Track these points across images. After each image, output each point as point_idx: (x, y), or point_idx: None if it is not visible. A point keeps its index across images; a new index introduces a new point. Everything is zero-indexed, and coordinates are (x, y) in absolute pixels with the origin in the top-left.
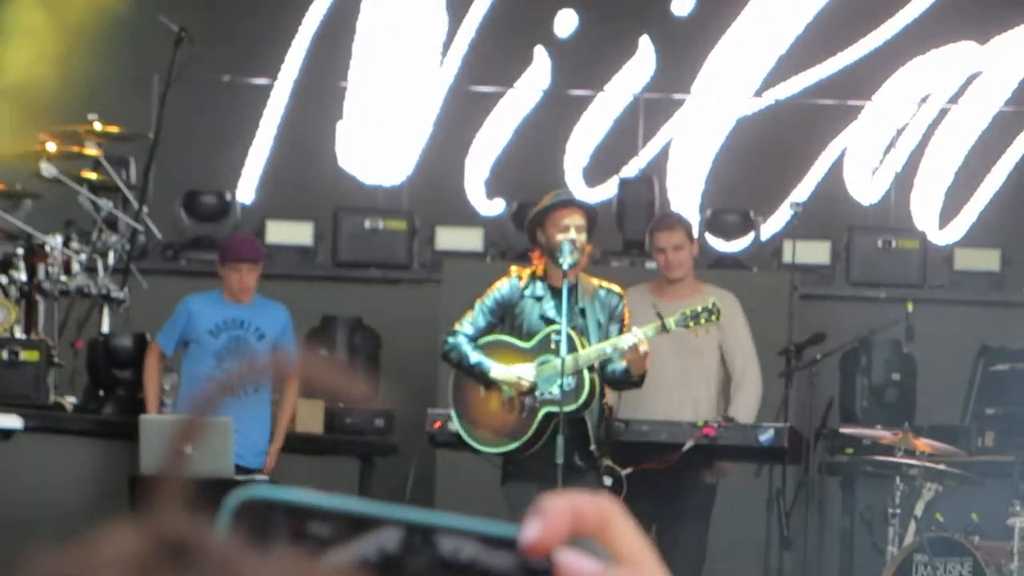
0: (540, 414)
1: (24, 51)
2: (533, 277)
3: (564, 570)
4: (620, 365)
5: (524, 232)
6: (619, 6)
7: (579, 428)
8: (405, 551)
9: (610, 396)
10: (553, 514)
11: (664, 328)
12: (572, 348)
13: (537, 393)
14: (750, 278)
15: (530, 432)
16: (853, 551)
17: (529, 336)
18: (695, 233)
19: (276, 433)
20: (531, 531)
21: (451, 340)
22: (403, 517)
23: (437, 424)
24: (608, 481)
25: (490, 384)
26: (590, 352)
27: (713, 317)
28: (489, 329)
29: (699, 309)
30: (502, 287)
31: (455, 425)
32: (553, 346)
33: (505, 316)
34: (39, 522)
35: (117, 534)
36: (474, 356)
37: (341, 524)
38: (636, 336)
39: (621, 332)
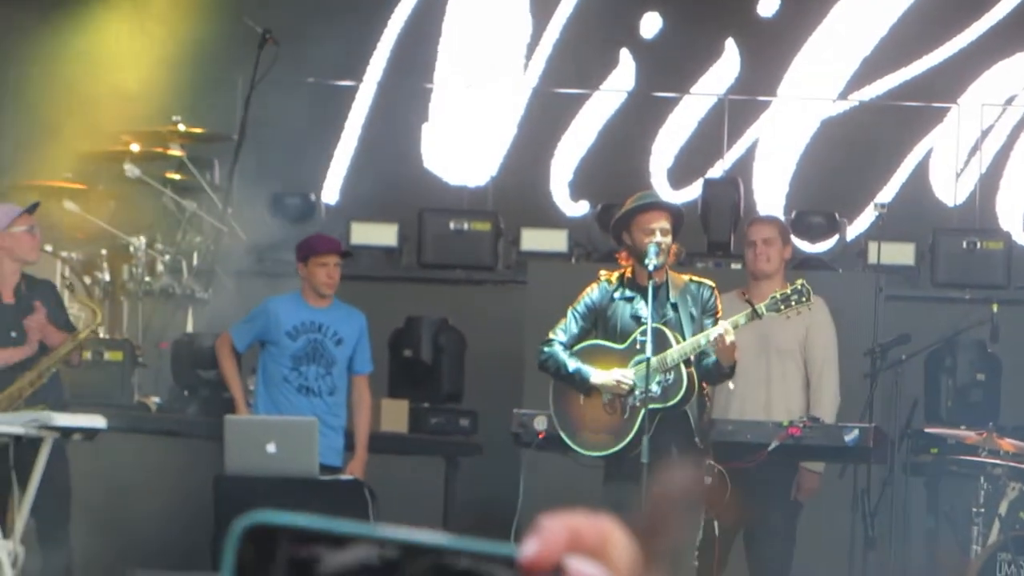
0: (641, 414)
1: (109, 53)
2: (621, 279)
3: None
4: (712, 358)
5: (609, 233)
6: (704, 8)
7: (682, 423)
8: (406, 556)
9: (710, 390)
10: (551, 532)
11: (756, 314)
12: (665, 345)
13: (637, 393)
14: (835, 279)
15: (632, 432)
16: (938, 551)
17: (623, 338)
18: (790, 238)
19: (359, 443)
20: (530, 548)
21: (547, 349)
22: (401, 539)
23: (541, 434)
24: (708, 479)
25: (591, 390)
26: (683, 347)
27: (804, 299)
28: (583, 335)
29: (789, 291)
30: (592, 292)
31: (557, 429)
32: (640, 342)
33: (597, 320)
34: (123, 523)
35: None
36: (572, 364)
37: (341, 546)
38: (722, 327)
39: (715, 325)
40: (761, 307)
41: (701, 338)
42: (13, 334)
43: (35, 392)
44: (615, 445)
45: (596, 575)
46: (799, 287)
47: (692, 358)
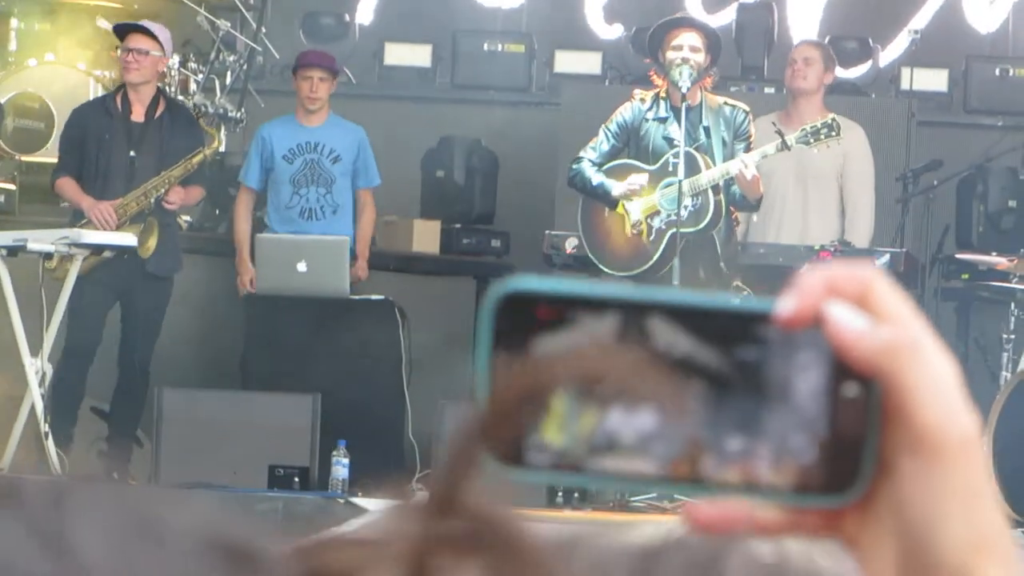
0: (666, 237)
1: None
2: (656, 99)
3: (832, 325)
4: (737, 188)
5: (642, 56)
6: None
7: (708, 247)
8: (623, 338)
9: (739, 215)
10: (810, 285)
11: (785, 145)
12: (695, 169)
13: (663, 215)
14: (868, 105)
15: (657, 255)
16: (967, 376)
17: (654, 158)
18: (834, 65)
19: (358, 250)
20: (788, 302)
21: (576, 166)
22: (658, 299)
23: (569, 251)
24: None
25: (614, 203)
26: (711, 174)
27: (833, 133)
28: (614, 154)
29: (819, 125)
30: (625, 111)
31: (581, 247)
32: (672, 168)
33: (630, 140)
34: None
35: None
36: (596, 178)
37: (580, 308)
38: (739, 163)
39: (748, 151)
40: (791, 138)
41: (729, 167)
42: (132, 153)
43: (145, 212)
44: (641, 266)
45: (859, 322)
46: (829, 121)
47: (721, 184)
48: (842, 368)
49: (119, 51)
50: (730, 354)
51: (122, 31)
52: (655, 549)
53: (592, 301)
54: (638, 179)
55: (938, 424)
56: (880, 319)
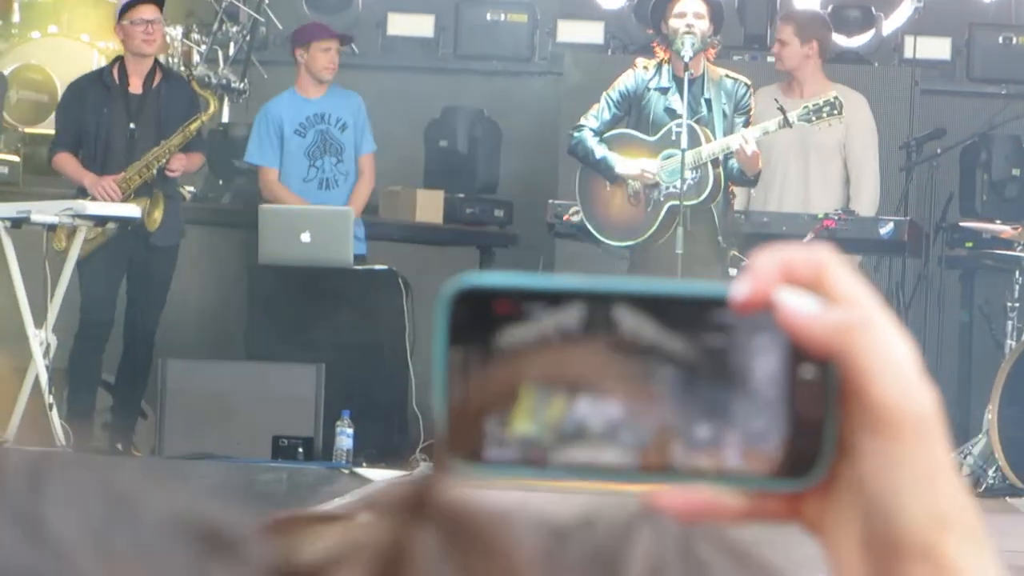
0: (664, 208)
1: None
2: (659, 68)
3: (782, 311)
4: (736, 163)
5: (645, 26)
6: None
7: (706, 220)
8: (584, 329)
9: (736, 189)
10: (762, 269)
11: (787, 122)
12: (695, 142)
13: (662, 187)
14: (871, 73)
15: (655, 225)
16: (971, 344)
17: (655, 129)
18: (818, 32)
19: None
20: (742, 288)
21: (576, 135)
22: (614, 290)
23: (566, 217)
24: (734, 271)
25: (615, 178)
26: (711, 147)
27: (836, 112)
28: (615, 122)
29: (821, 103)
30: (627, 80)
31: (582, 217)
32: (675, 139)
33: (631, 109)
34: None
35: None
36: (599, 150)
37: (539, 302)
38: (739, 138)
39: (747, 125)
40: (793, 116)
41: (730, 141)
42: (132, 125)
43: (148, 183)
44: (636, 237)
45: (810, 306)
46: (832, 99)
47: (720, 158)
48: (799, 351)
49: (127, 23)
50: (694, 340)
51: (132, 2)
52: (566, 528)
53: (551, 294)
54: (650, 166)
55: (895, 402)
56: (834, 300)
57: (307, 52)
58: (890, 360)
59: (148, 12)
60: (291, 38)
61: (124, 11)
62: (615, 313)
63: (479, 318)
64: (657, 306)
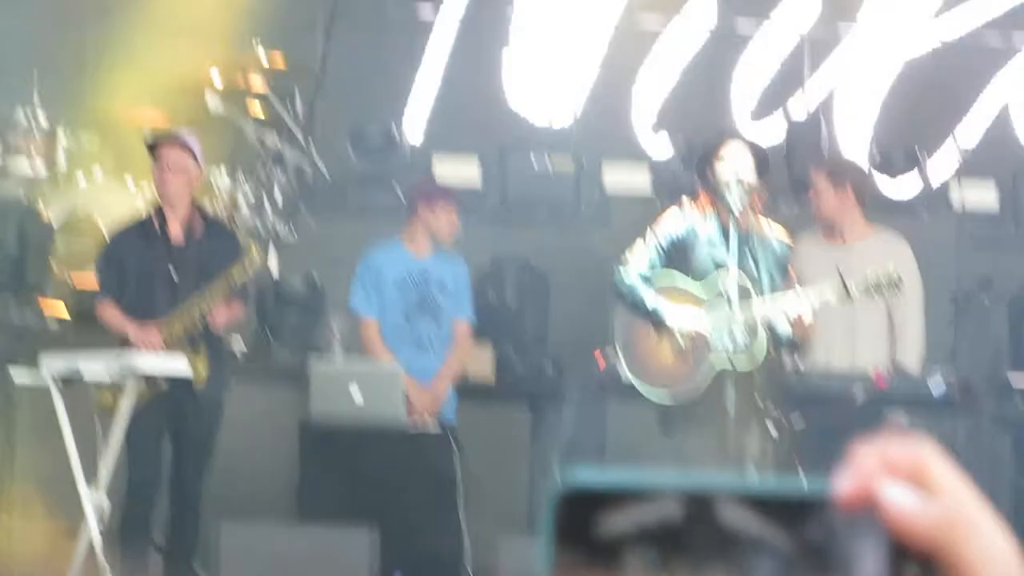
0: (711, 365)
1: None
2: (704, 217)
3: (884, 505)
4: (786, 328)
5: (693, 174)
6: None
7: (749, 380)
8: (687, 525)
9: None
10: (863, 465)
11: (848, 295)
12: (746, 300)
13: (709, 343)
14: (917, 222)
15: (700, 382)
16: None
17: (700, 277)
18: (851, 178)
19: (437, 380)
20: (844, 484)
21: (626, 281)
22: (710, 489)
23: (602, 365)
24: (775, 434)
25: (664, 328)
26: (763, 309)
27: (897, 288)
28: (661, 268)
29: (883, 279)
30: (674, 226)
31: (622, 367)
32: (720, 289)
33: (676, 255)
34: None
35: None
36: (649, 299)
37: (640, 499)
38: (798, 306)
39: (786, 282)
40: (854, 290)
41: (787, 308)
42: (174, 274)
43: (190, 335)
44: (680, 393)
45: (914, 503)
46: (893, 274)
47: (771, 319)
48: (900, 544)
49: (157, 168)
50: (795, 535)
51: (155, 143)
52: None
53: (653, 492)
54: (700, 320)
55: None
56: (933, 493)
57: (431, 210)
58: (991, 557)
59: (168, 155)
60: (414, 192)
61: (155, 156)
62: (717, 508)
63: (583, 517)
64: (758, 501)
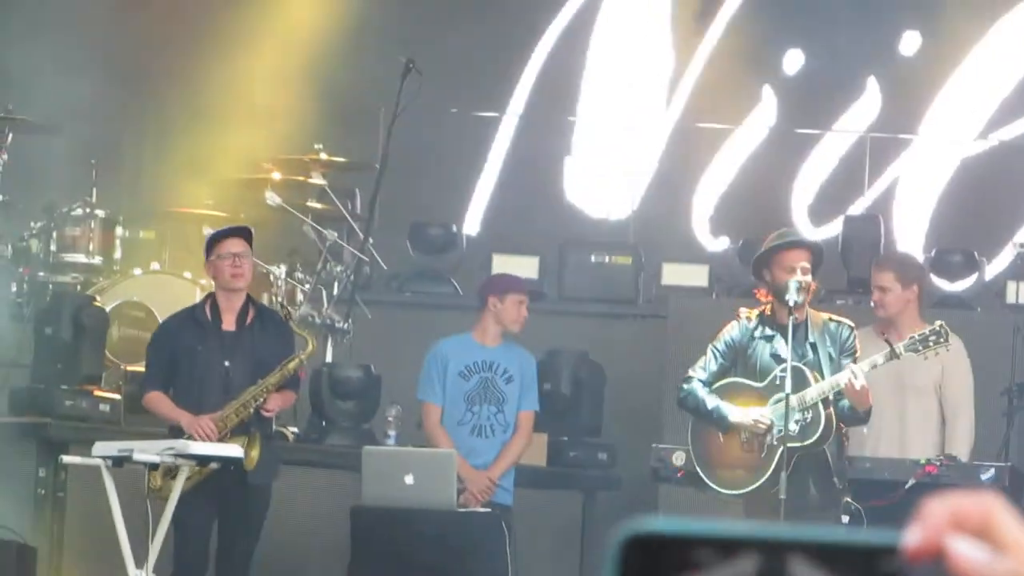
0: (778, 452)
1: (252, 78)
2: (761, 317)
3: (954, 559)
4: (846, 401)
5: (750, 269)
6: (847, 45)
7: (820, 462)
8: (785, 554)
9: (848, 433)
10: (933, 517)
11: (894, 354)
12: (803, 384)
13: (775, 431)
14: (973, 318)
15: (770, 470)
16: None
17: (762, 376)
18: (917, 275)
19: (494, 466)
20: (914, 536)
21: (686, 387)
22: (783, 537)
23: (681, 473)
24: (846, 518)
25: (728, 427)
26: (820, 387)
27: (943, 340)
28: (722, 372)
29: (927, 332)
30: (732, 330)
31: (690, 463)
32: (779, 383)
33: (737, 358)
34: (259, 552)
35: None
36: (711, 401)
37: (710, 551)
38: (847, 374)
39: (853, 363)
40: (900, 347)
41: (838, 379)
42: (227, 363)
43: (245, 422)
44: (753, 483)
45: (981, 556)
46: (938, 328)
47: (830, 398)
48: None
49: (215, 258)
50: None
51: (213, 235)
52: None
53: (723, 542)
54: (761, 413)
55: None
56: (1001, 550)
57: (501, 302)
58: None
59: (235, 246)
60: (486, 285)
61: (211, 246)
62: (788, 562)
63: (650, 565)
64: (829, 554)
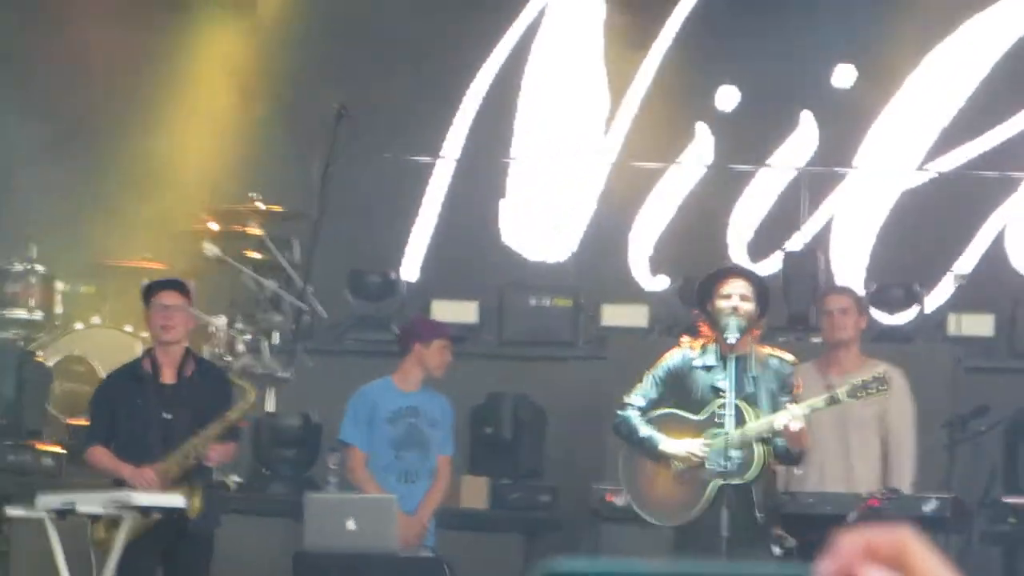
0: (710, 487)
1: (186, 129)
2: (704, 348)
3: None
4: (782, 441)
5: (689, 307)
6: (780, 80)
7: (744, 497)
8: None
9: (778, 467)
10: (845, 549)
11: (834, 400)
12: (742, 420)
13: (708, 466)
14: (914, 351)
15: (701, 505)
16: None
17: (700, 407)
18: (866, 308)
19: (421, 511)
20: (826, 567)
21: (621, 413)
22: (693, 573)
23: (608, 497)
24: (777, 551)
25: (659, 457)
26: (758, 426)
27: (884, 388)
28: (660, 400)
29: (870, 379)
30: (673, 358)
31: (627, 499)
32: (719, 419)
33: (676, 387)
34: None
35: None
36: (644, 430)
37: None
38: (787, 416)
39: (793, 402)
40: (841, 393)
41: (776, 419)
42: (167, 416)
43: (187, 473)
44: (684, 517)
45: None
46: (880, 375)
47: (767, 436)
48: None
49: (149, 308)
50: None
51: (150, 288)
52: None
53: None
54: (695, 446)
55: None
56: None
57: (427, 347)
58: None
59: (167, 298)
60: (410, 330)
61: (146, 295)
62: None
63: None
64: None
